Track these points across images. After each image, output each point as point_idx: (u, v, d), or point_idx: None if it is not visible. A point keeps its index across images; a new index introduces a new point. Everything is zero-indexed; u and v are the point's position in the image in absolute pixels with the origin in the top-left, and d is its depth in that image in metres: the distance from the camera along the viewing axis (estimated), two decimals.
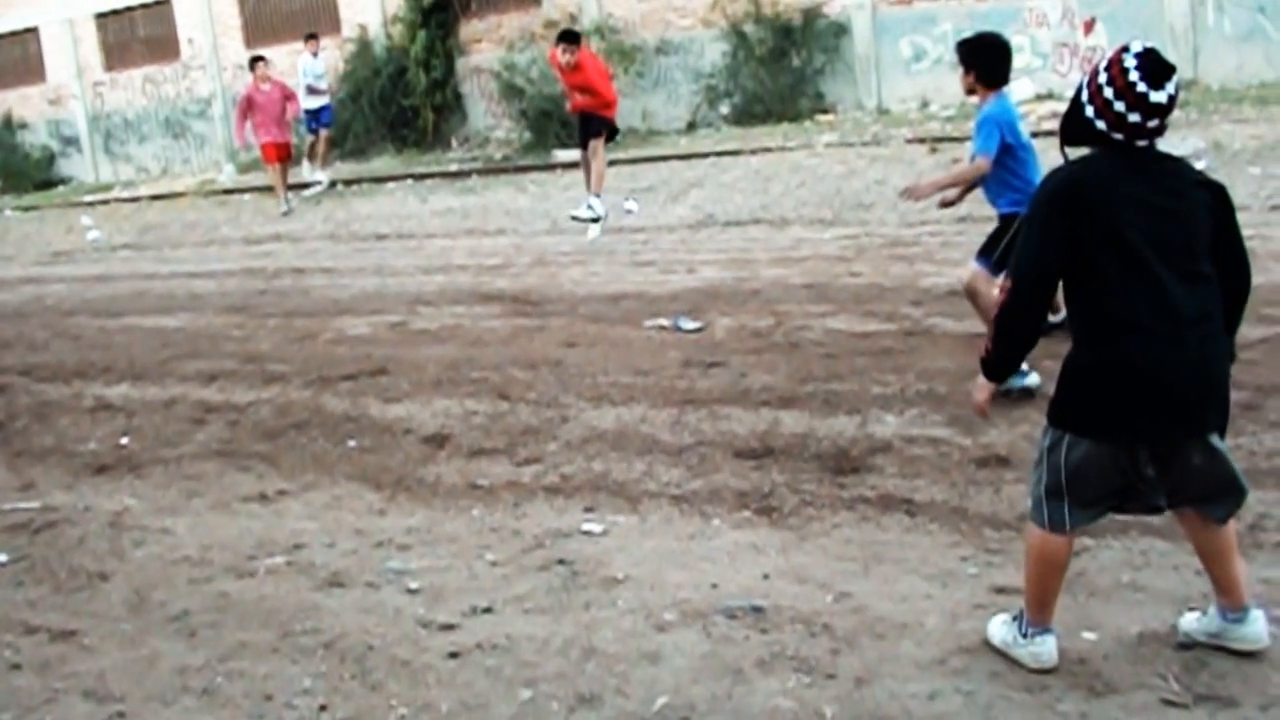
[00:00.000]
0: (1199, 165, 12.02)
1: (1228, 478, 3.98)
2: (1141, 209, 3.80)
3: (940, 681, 4.10)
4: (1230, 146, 14.07)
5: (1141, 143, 3.86)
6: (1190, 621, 4.23)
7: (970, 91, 7.40)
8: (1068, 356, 3.96)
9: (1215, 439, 3.93)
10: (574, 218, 13.68)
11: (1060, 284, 4.00)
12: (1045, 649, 4.05)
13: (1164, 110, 3.80)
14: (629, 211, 13.24)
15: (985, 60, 7.27)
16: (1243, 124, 15.19)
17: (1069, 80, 19.05)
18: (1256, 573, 4.66)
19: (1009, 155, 7.19)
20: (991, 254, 7.15)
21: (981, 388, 4.25)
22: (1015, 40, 19.30)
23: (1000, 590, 4.73)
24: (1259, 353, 6.90)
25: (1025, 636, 4.09)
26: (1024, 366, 6.81)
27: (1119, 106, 3.80)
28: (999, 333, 4.06)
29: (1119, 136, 3.84)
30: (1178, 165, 4.02)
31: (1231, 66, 17.94)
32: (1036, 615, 4.08)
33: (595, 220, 13.65)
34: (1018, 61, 19.26)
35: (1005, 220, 7.19)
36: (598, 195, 13.71)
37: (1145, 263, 3.77)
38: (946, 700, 3.99)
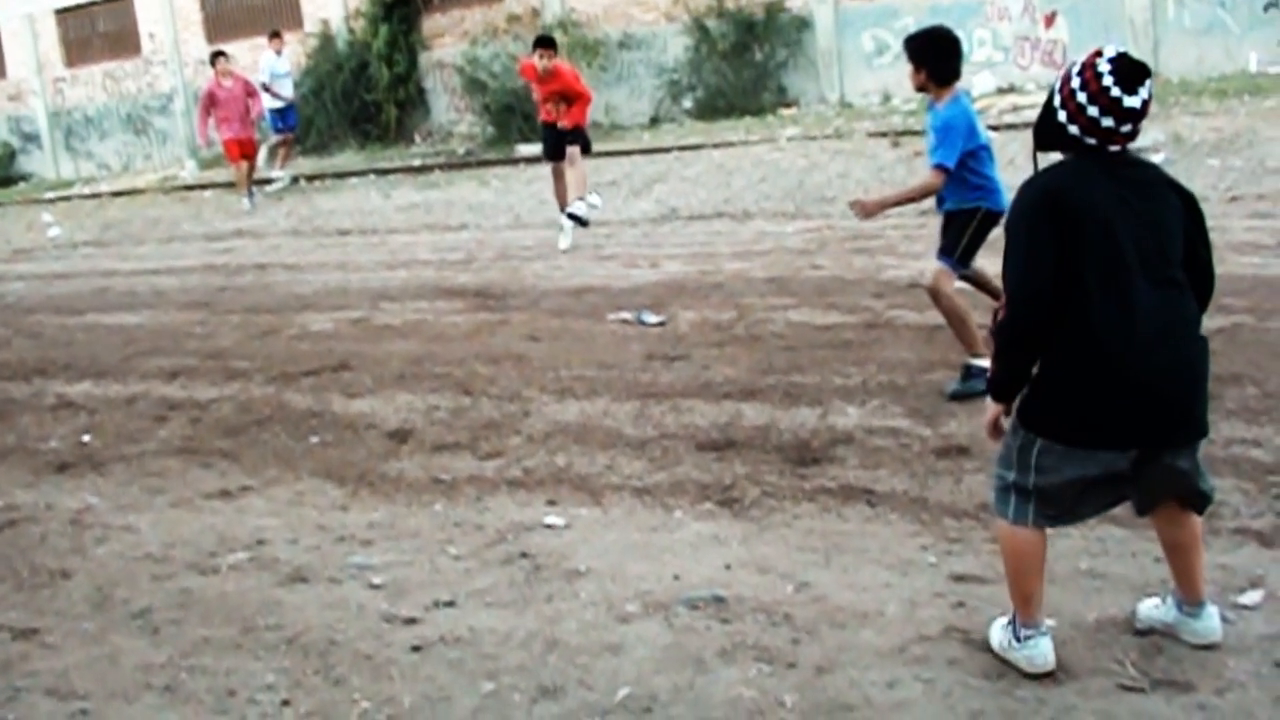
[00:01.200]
0: (1158, 158, 12.17)
1: (1201, 482, 4.01)
2: (1119, 215, 3.76)
3: (900, 669, 4.13)
4: (1190, 139, 14.18)
5: (1115, 148, 3.83)
6: (1147, 608, 4.28)
7: (921, 89, 7.19)
8: (1044, 362, 3.90)
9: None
10: (572, 216, 13.29)
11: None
12: (1039, 651, 3.99)
13: (1138, 115, 3.78)
14: (593, 206, 13.22)
15: (936, 57, 7.04)
16: (1202, 117, 15.30)
17: (1030, 74, 19.18)
18: (1213, 559, 4.71)
19: (969, 157, 7.01)
20: (954, 252, 7.06)
21: (990, 410, 4.15)
22: (977, 34, 19.50)
23: (960, 579, 4.78)
24: (1217, 343, 6.91)
25: (1019, 640, 4.01)
26: (987, 361, 6.89)
27: (1093, 111, 3.77)
28: (1003, 353, 4.00)
29: (1092, 141, 3.82)
30: (1151, 170, 4.01)
31: (1191, 60, 18.07)
32: (1024, 612, 4.01)
33: (575, 223, 13.31)
34: (979, 55, 19.61)
35: (964, 214, 7.08)
36: (582, 197, 13.36)
37: (1125, 269, 3.74)
38: (906, 688, 4.02)
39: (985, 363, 6.78)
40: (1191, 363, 3.86)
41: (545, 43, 13.49)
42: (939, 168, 6.95)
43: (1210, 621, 4.13)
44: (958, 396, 6.80)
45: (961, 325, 7.02)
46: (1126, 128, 3.79)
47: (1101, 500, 4.03)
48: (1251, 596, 4.44)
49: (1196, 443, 3.93)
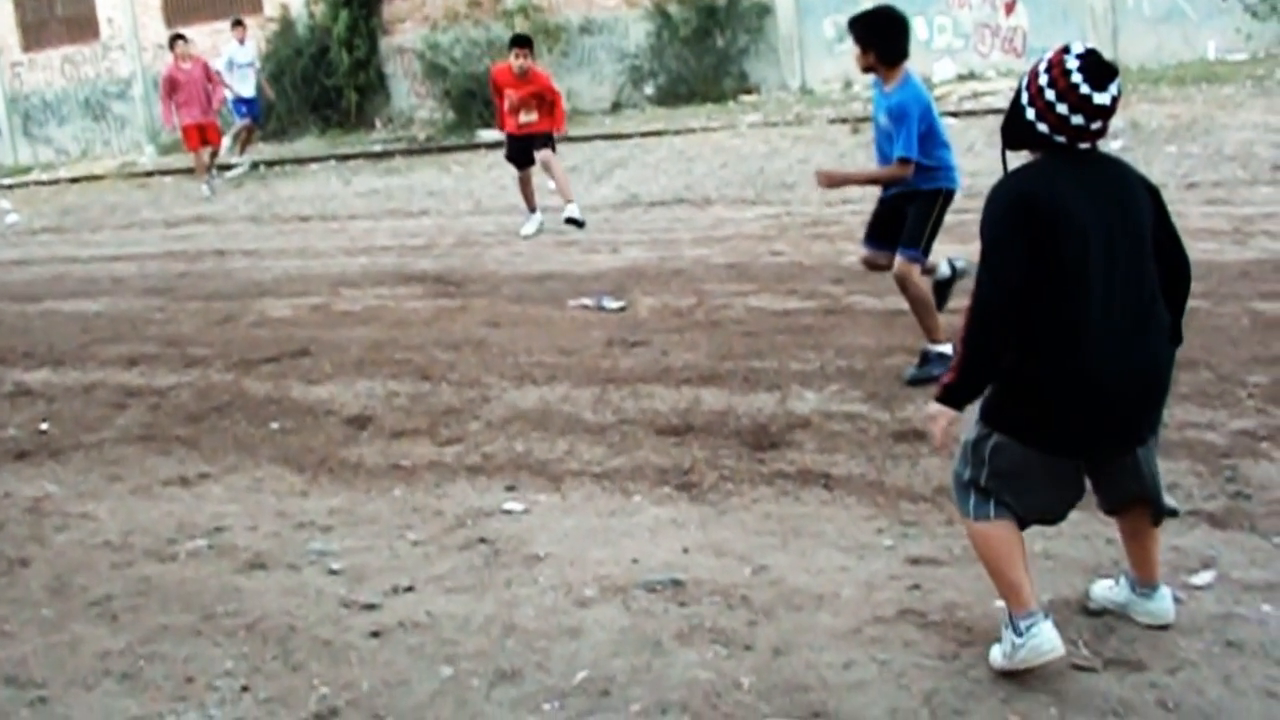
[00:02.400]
0: (1115, 145, 12.26)
1: (1157, 478, 4.02)
2: (1093, 219, 3.71)
3: (856, 651, 4.18)
4: (1148, 126, 14.27)
5: (1084, 145, 3.79)
6: (1101, 589, 4.33)
7: (869, 70, 7.02)
8: (1012, 359, 3.82)
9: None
10: (570, 220, 12.79)
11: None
12: (1042, 636, 3.80)
13: (1108, 112, 3.73)
14: (553, 190, 13.20)
15: (883, 37, 6.90)
16: (1160, 104, 15.40)
17: (990, 61, 19.26)
18: (1166, 541, 4.74)
19: (923, 139, 6.87)
20: (920, 242, 6.96)
21: (938, 416, 3.97)
22: (937, 21, 19.56)
23: (915, 561, 4.83)
24: None
25: (1020, 635, 3.82)
26: (946, 347, 6.93)
27: (1061, 109, 3.71)
28: (968, 359, 3.85)
29: (1061, 139, 3.76)
30: (1121, 168, 3.95)
31: (1150, 47, 18.17)
32: (1016, 602, 3.86)
33: (575, 226, 12.87)
34: (940, 42, 19.67)
35: (926, 199, 6.98)
36: (571, 200, 12.91)
37: (1097, 271, 3.70)
38: (862, 669, 4.07)
39: (945, 348, 6.84)
40: (1159, 369, 3.85)
41: (523, 41, 13.06)
42: (905, 161, 6.84)
43: (1164, 602, 4.18)
44: (915, 381, 6.84)
45: (926, 312, 7.05)
46: (1096, 125, 3.74)
47: (1064, 497, 4.00)
48: (1203, 577, 4.51)
49: (1150, 441, 3.94)
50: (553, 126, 13.06)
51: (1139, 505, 4.07)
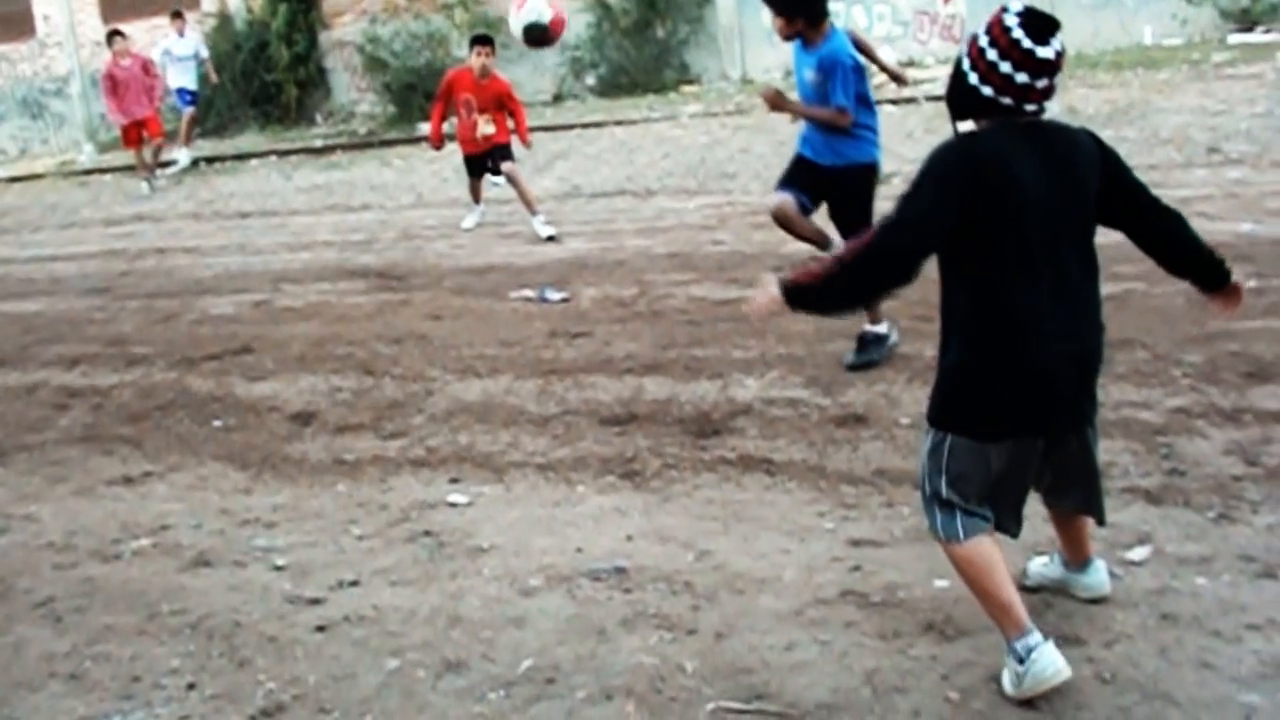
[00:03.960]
0: None
1: (1096, 465, 3.99)
2: (1039, 191, 3.58)
3: (797, 632, 4.23)
4: (1084, 110, 14.39)
5: (1031, 107, 3.62)
6: (1037, 566, 4.39)
7: (794, 36, 6.89)
8: (952, 354, 3.77)
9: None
10: (550, 238, 12.13)
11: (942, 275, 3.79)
12: (1045, 662, 3.65)
13: (1052, 68, 3.56)
14: (495, 184, 13.18)
15: (807, 2, 6.78)
16: (1097, 89, 15.56)
17: (929, 48, 19.40)
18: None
19: (856, 101, 6.82)
20: (871, 218, 6.74)
21: (768, 300, 3.81)
22: (876, 9, 19.71)
23: (856, 543, 4.89)
24: (1109, 309, 7.09)
25: (1023, 662, 3.67)
26: (884, 328, 6.97)
27: (1005, 67, 3.56)
28: (839, 281, 3.68)
29: (1008, 101, 3.59)
30: (1069, 137, 3.76)
31: (1088, 33, 18.34)
32: (1009, 624, 3.73)
33: (552, 241, 12.21)
34: (879, 30, 19.77)
35: (860, 173, 6.90)
36: (538, 213, 12.38)
37: (1043, 251, 3.59)
38: (804, 650, 4.12)
39: (882, 328, 6.89)
40: (1099, 349, 3.79)
41: (486, 40, 12.45)
42: (843, 110, 6.78)
43: (1098, 575, 4.24)
44: (856, 367, 6.89)
45: None
46: (1042, 82, 3.57)
47: (1020, 492, 3.92)
48: (1139, 552, 4.59)
49: (1093, 436, 3.91)
50: (510, 138, 12.57)
51: (1080, 508, 4.09)
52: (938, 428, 3.80)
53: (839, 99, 6.79)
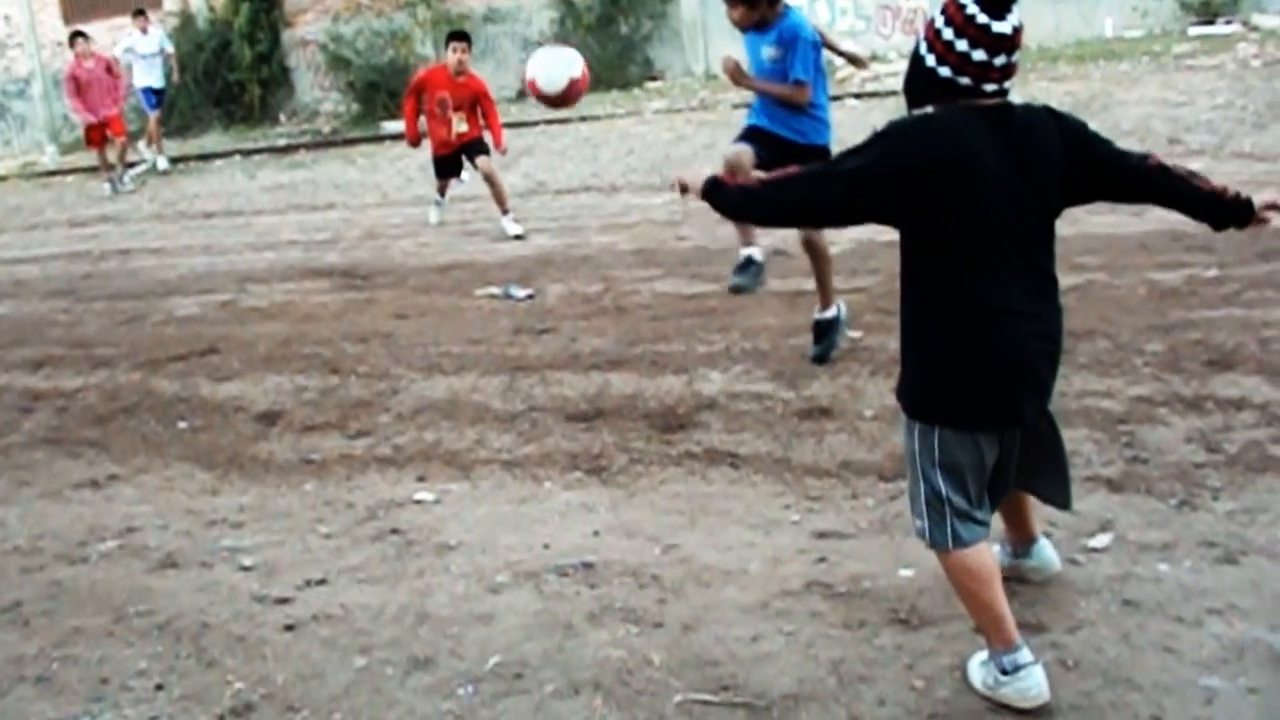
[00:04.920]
0: None
1: (1064, 446, 3.98)
2: (1000, 174, 3.46)
3: (763, 624, 4.25)
4: (1046, 103, 14.47)
5: (990, 87, 3.47)
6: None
7: (757, 25, 6.77)
8: (926, 343, 3.65)
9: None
10: (517, 236, 12.13)
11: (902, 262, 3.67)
12: (1031, 682, 3.62)
13: (1010, 44, 3.43)
14: (461, 182, 13.17)
15: None
16: (1059, 81, 15.66)
17: (892, 42, 19.47)
18: None
19: (814, 84, 6.75)
20: None
21: (695, 180, 3.80)
22: (839, 3, 19.75)
23: (822, 535, 4.92)
24: (1071, 299, 7.16)
25: (1006, 674, 3.64)
26: (833, 311, 6.95)
27: (961, 45, 3.42)
28: (757, 200, 3.69)
29: (966, 81, 3.45)
30: (1030, 116, 3.61)
31: (1050, 26, 18.45)
32: (998, 637, 3.67)
33: (519, 240, 12.20)
34: (842, 24, 19.82)
35: (817, 154, 6.58)
36: (509, 212, 12.37)
37: (1008, 235, 3.48)
38: (770, 641, 4.14)
39: (832, 313, 6.91)
40: (1060, 334, 3.69)
41: (463, 36, 12.35)
42: (800, 83, 6.67)
43: (1046, 553, 4.28)
44: (820, 359, 6.92)
45: (828, 270, 6.99)
46: (1000, 59, 3.44)
47: (1005, 484, 3.85)
48: (1101, 539, 4.63)
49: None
50: (485, 134, 12.42)
51: (1048, 495, 4.08)
52: (923, 420, 3.67)
53: (797, 72, 6.69)
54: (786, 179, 3.68)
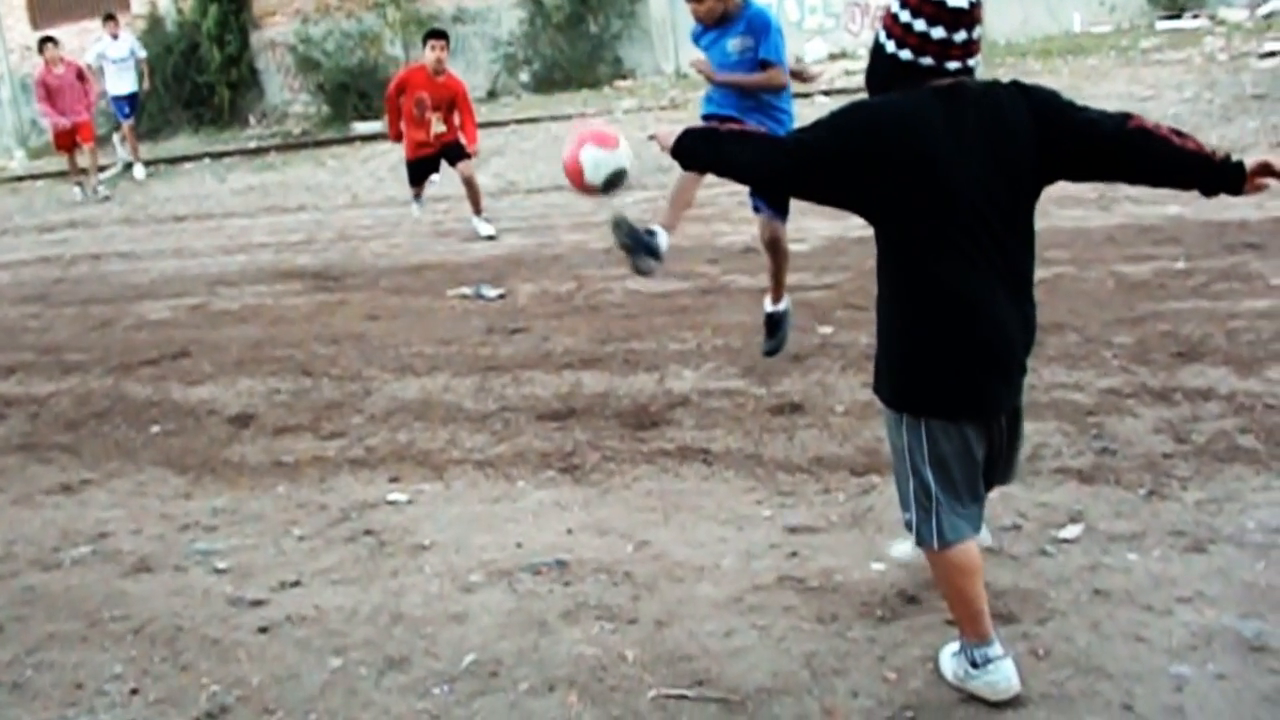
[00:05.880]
0: None
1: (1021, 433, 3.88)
2: (967, 156, 3.37)
3: (736, 619, 4.28)
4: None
5: (953, 65, 3.38)
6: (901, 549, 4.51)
7: (720, 19, 6.61)
8: (903, 333, 3.58)
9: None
10: (489, 237, 12.09)
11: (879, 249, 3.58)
12: (1001, 675, 3.64)
13: (969, 18, 3.35)
14: (431, 182, 13.15)
15: None
16: (1027, 76, 15.57)
17: (861, 39, 19.50)
18: (1034, 497, 4.98)
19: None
20: (789, 203, 6.71)
21: (667, 141, 3.84)
22: (808, 1, 19.75)
23: (793, 530, 4.95)
24: (1040, 293, 7.18)
25: (976, 666, 3.66)
26: (784, 305, 6.95)
27: (920, 25, 3.35)
28: (721, 153, 3.69)
29: (928, 61, 3.36)
30: (996, 95, 3.50)
31: (1017, 21, 18.51)
32: (973, 632, 3.67)
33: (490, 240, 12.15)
34: (811, 22, 19.87)
35: None
36: (480, 212, 12.34)
37: (976, 220, 3.38)
38: (743, 636, 4.17)
39: (784, 306, 6.90)
40: (1032, 326, 3.62)
41: (441, 34, 12.03)
42: (770, 64, 6.54)
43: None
44: (772, 353, 6.97)
45: (785, 268, 6.95)
46: (960, 34, 3.35)
47: (990, 474, 3.77)
48: (1071, 530, 4.68)
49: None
50: (466, 138, 12.23)
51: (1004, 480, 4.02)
52: (910, 413, 3.59)
53: (768, 52, 6.55)
54: (745, 136, 3.71)
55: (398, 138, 12.54)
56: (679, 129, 3.85)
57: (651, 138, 4.02)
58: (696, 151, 3.80)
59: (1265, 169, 3.54)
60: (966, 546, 3.63)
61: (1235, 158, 3.57)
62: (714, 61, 6.73)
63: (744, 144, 3.69)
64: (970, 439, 3.58)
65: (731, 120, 6.60)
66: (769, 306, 7.06)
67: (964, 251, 3.39)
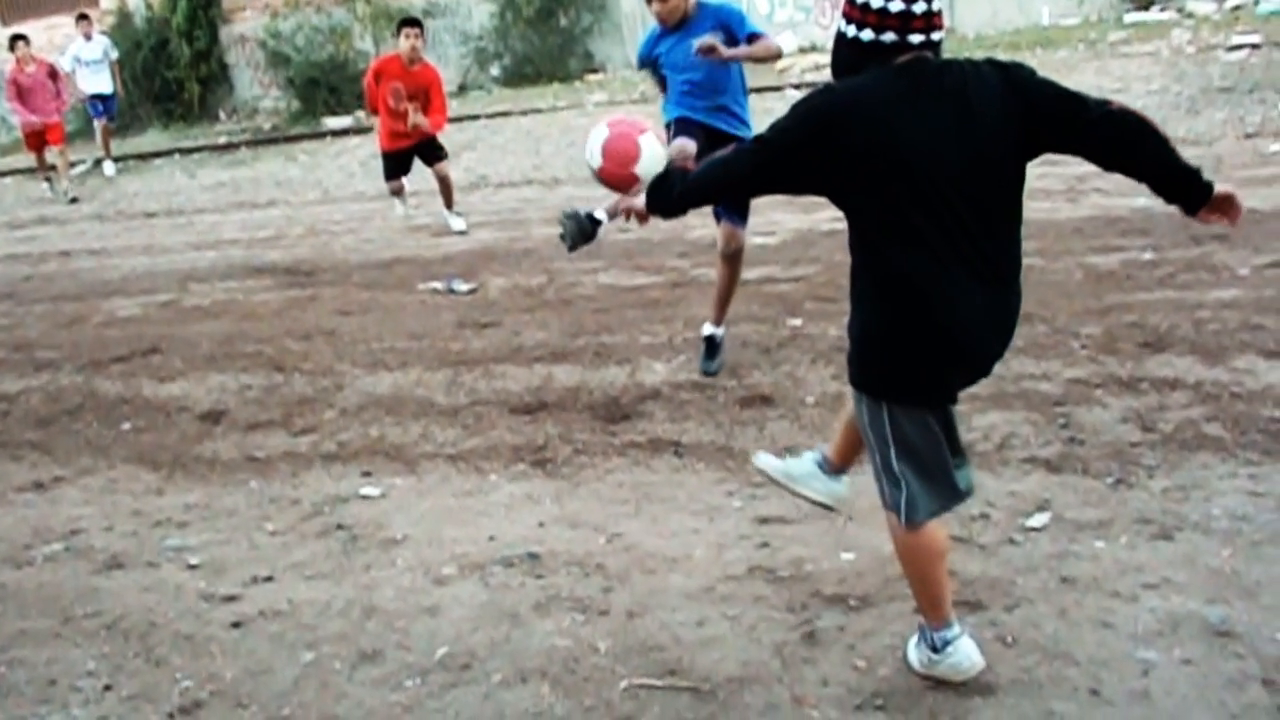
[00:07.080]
0: None
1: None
2: (935, 138, 3.29)
3: (708, 609, 4.31)
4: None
5: (916, 38, 3.31)
6: (770, 459, 4.56)
7: (681, 21, 6.54)
8: (867, 313, 3.53)
9: None
10: (461, 232, 12.09)
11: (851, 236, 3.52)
12: (961, 654, 3.67)
13: None
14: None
15: None
16: None
17: (831, 33, 19.50)
18: (1004, 486, 5.04)
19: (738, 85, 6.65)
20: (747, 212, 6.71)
21: (639, 207, 3.90)
22: None
23: (764, 520, 4.98)
24: None
25: (937, 651, 3.69)
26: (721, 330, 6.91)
27: (876, 2, 3.30)
28: (695, 178, 3.71)
29: (891, 37, 3.31)
30: (967, 73, 3.40)
31: (987, 15, 18.60)
32: (934, 616, 3.69)
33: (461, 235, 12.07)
34: (781, 16, 19.92)
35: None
36: (452, 205, 12.24)
37: (944, 203, 3.30)
38: (714, 625, 4.20)
39: (722, 331, 6.86)
40: (1012, 316, 3.56)
41: (415, 23, 11.86)
42: (759, 35, 6.48)
43: (844, 486, 4.39)
44: (715, 372, 6.82)
45: (734, 290, 6.89)
46: (919, 5, 3.29)
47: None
48: (1039, 519, 4.72)
49: None
50: (440, 124, 12.05)
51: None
52: (873, 396, 3.56)
53: (752, 27, 6.52)
54: (709, 161, 3.68)
55: (376, 110, 12.22)
56: (639, 197, 3.88)
57: (627, 218, 4.04)
58: (667, 193, 3.76)
59: (1225, 201, 3.54)
60: (931, 527, 3.61)
61: (1208, 179, 3.53)
62: (678, 64, 6.64)
63: (710, 164, 3.67)
64: (930, 420, 3.55)
65: (693, 124, 6.61)
66: (709, 329, 6.90)
67: (925, 238, 3.31)
